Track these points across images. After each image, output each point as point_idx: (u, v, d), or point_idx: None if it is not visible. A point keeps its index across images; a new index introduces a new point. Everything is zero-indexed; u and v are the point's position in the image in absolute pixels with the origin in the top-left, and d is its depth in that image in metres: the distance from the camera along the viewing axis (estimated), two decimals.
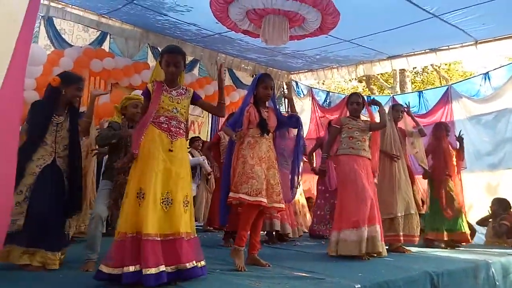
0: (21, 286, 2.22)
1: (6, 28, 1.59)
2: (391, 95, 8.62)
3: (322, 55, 6.73)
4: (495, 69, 6.45)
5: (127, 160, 2.37)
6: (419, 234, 4.14)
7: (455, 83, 7.49)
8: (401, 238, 3.95)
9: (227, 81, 7.18)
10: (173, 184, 2.28)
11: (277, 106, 3.25)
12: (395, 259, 3.46)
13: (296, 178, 3.16)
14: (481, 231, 5.65)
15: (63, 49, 5.23)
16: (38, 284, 2.29)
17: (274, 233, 4.50)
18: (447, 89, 6.93)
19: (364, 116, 4.06)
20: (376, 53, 6.55)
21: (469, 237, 4.65)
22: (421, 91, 7.80)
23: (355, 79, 13.98)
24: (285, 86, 8.03)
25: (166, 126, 2.36)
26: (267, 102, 3.09)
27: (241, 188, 2.75)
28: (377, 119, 3.89)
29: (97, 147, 3.37)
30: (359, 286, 2.29)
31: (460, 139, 4.94)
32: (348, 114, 3.78)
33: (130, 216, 2.21)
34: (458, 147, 4.94)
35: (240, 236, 2.83)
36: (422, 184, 6.64)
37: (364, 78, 13.95)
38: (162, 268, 2.10)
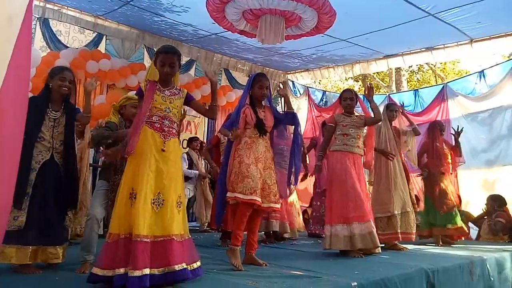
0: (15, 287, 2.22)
1: (4, 30, 1.59)
2: (387, 94, 8.66)
3: (319, 54, 6.75)
4: (490, 67, 6.49)
5: (116, 151, 2.41)
6: (415, 231, 4.17)
7: (450, 81, 7.52)
8: (399, 235, 3.98)
9: (224, 81, 7.19)
10: (165, 185, 2.27)
11: (273, 106, 3.25)
12: (391, 257, 3.49)
13: (292, 175, 3.14)
14: (474, 227, 5.69)
15: (59, 50, 5.23)
16: (34, 286, 2.29)
17: (271, 232, 4.51)
18: (443, 87, 6.96)
19: (357, 113, 4.08)
20: (372, 52, 6.58)
21: (466, 231, 4.69)
22: (417, 89, 7.83)
23: (351, 78, 14.03)
24: (280, 85, 8.03)
25: (159, 126, 2.36)
26: (263, 102, 3.10)
27: (236, 188, 2.77)
28: (372, 115, 3.90)
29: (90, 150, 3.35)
30: (356, 283, 2.31)
31: (458, 134, 4.93)
32: (342, 111, 3.79)
33: (122, 217, 2.20)
34: (454, 144, 4.95)
35: (235, 235, 2.84)
36: (418, 182, 6.72)
37: (360, 77, 13.99)
38: (146, 271, 2.07)
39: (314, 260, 3.27)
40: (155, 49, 6.16)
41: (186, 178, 5.57)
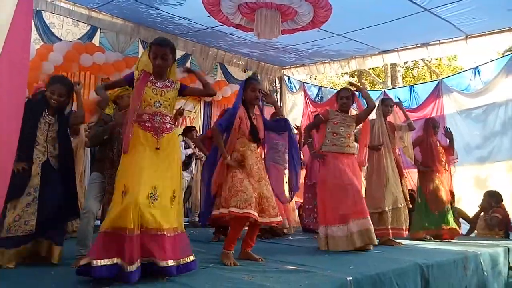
0: (11, 282, 2.20)
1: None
2: (383, 89, 8.68)
3: (314, 49, 6.73)
4: (485, 63, 6.53)
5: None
6: (407, 227, 4.17)
7: (445, 77, 7.56)
8: (390, 231, 3.99)
9: (219, 76, 7.15)
10: (160, 180, 2.25)
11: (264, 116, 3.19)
12: (386, 252, 3.51)
13: (294, 181, 3.10)
14: (466, 223, 5.74)
15: (52, 43, 5.16)
16: (30, 280, 2.28)
17: (269, 228, 4.45)
18: (438, 83, 6.99)
19: (354, 110, 4.07)
20: (368, 48, 6.57)
21: (458, 232, 4.68)
22: (412, 85, 7.86)
23: (347, 73, 14.03)
24: (277, 83, 8.01)
25: (149, 125, 2.33)
26: (255, 109, 3.06)
27: (231, 202, 2.70)
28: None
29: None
30: (351, 278, 2.32)
31: (449, 135, 4.92)
32: (337, 108, 3.76)
33: (111, 213, 2.19)
34: (448, 143, 4.94)
35: (229, 243, 2.81)
36: (414, 178, 6.75)
37: (356, 73, 14.00)
38: (137, 265, 2.06)
39: (309, 255, 3.28)
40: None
41: (186, 166, 5.59)
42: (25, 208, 2.56)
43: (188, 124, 6.59)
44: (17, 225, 2.53)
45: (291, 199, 3.39)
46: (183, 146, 5.78)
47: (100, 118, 2.97)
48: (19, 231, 2.53)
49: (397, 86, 11.53)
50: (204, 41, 6.53)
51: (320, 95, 8.33)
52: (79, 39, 5.50)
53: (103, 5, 5.32)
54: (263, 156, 3.16)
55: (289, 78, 8.03)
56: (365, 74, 14.40)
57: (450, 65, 14.59)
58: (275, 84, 7.99)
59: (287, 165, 3.26)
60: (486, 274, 3.48)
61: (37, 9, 5.11)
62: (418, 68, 15.46)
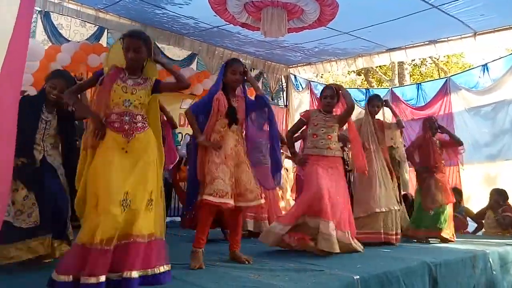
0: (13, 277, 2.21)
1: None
2: (390, 87, 8.62)
3: (321, 48, 6.71)
4: (493, 60, 6.46)
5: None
6: (397, 232, 3.89)
7: (453, 75, 7.48)
8: (382, 236, 3.76)
9: None
10: (132, 184, 2.08)
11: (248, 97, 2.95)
12: (393, 251, 3.49)
13: (276, 162, 2.88)
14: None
15: (60, 44, 5.21)
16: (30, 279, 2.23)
17: (247, 231, 4.20)
18: (446, 81, 6.93)
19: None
20: (375, 46, 6.53)
21: (450, 239, 4.28)
22: (420, 83, 7.80)
23: (354, 72, 13.96)
24: (283, 82, 7.99)
25: (118, 125, 2.16)
26: (237, 91, 2.88)
27: (206, 189, 2.57)
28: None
29: None
30: (358, 277, 2.31)
31: (444, 129, 4.66)
32: (320, 107, 3.52)
33: (85, 226, 2.03)
34: (449, 138, 4.70)
35: (198, 238, 2.65)
36: (413, 179, 6.69)
37: (363, 71, 13.93)
38: (103, 278, 1.90)
39: (316, 254, 3.27)
40: (157, 43, 6.22)
41: None
42: (22, 200, 2.49)
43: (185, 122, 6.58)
44: (21, 219, 2.47)
45: (278, 183, 3.07)
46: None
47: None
48: (23, 224, 2.47)
49: (404, 84, 11.46)
50: (210, 40, 6.55)
51: None
52: (86, 39, 5.55)
53: (110, 5, 5.36)
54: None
55: (295, 77, 8.01)
56: (372, 72, 14.32)
57: (457, 63, 14.45)
58: (282, 83, 7.98)
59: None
60: (495, 272, 3.44)
61: (45, 10, 5.17)
62: (426, 66, 15.34)
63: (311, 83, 8.21)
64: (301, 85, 8.08)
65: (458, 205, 5.75)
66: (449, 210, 4.39)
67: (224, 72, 2.85)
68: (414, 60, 13.55)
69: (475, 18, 5.26)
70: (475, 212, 5.66)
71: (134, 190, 2.07)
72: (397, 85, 11.62)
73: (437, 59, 13.48)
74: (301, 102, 7.96)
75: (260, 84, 7.65)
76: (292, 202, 5.25)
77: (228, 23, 5.18)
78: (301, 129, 3.79)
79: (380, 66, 13.00)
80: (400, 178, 4.64)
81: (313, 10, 4.54)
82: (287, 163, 5.76)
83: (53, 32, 5.30)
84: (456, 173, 6.43)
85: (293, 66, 7.92)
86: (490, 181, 6.03)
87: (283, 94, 7.97)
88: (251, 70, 7.52)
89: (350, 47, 6.62)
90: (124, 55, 2.25)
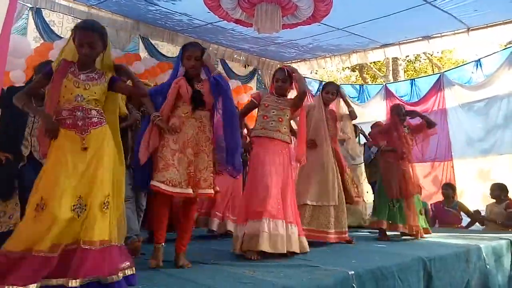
0: None
1: None
2: (384, 83, 8.65)
3: (315, 44, 6.71)
4: (486, 56, 6.50)
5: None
6: (334, 230, 3.49)
7: (447, 70, 7.53)
8: (311, 233, 3.40)
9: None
10: (86, 186, 1.91)
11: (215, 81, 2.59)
12: (388, 246, 3.51)
13: (231, 144, 2.55)
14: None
15: (52, 41, 5.15)
16: None
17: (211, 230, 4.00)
18: (440, 76, 6.97)
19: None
20: (369, 42, 6.54)
21: (417, 231, 4.03)
22: (413, 79, 7.83)
23: (348, 68, 14.00)
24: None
25: (70, 121, 1.97)
26: (202, 76, 2.64)
27: (158, 176, 2.38)
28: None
29: None
30: (353, 272, 2.31)
31: (414, 113, 4.45)
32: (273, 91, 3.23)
33: (22, 232, 1.83)
34: (422, 119, 4.36)
35: (155, 233, 2.50)
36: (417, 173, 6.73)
37: (357, 67, 13.96)
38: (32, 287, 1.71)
39: (311, 249, 3.27)
40: (151, 39, 6.19)
41: None
42: (5, 202, 2.42)
43: None
44: (1, 221, 2.39)
45: (239, 170, 2.67)
46: None
47: None
48: (4, 227, 2.40)
49: (398, 80, 11.50)
50: (204, 37, 6.52)
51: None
52: None
53: (103, 2, 5.31)
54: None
55: None
56: (366, 68, 14.36)
57: (450, 58, 14.53)
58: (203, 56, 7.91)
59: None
60: (488, 267, 3.48)
61: (37, 7, 5.12)
62: (420, 62, 15.40)
63: (305, 79, 8.20)
64: None
65: (451, 200, 5.80)
66: (416, 202, 4.17)
67: (181, 58, 2.63)
68: (408, 56, 13.60)
69: (468, 13, 5.28)
70: (472, 208, 5.68)
71: (88, 193, 1.90)
72: (392, 81, 11.67)
73: (431, 55, 13.55)
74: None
75: (255, 81, 7.64)
76: None
77: (222, 19, 5.16)
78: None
79: (374, 62, 13.03)
80: (353, 172, 4.38)
81: (307, 6, 4.53)
82: None
83: (45, 29, 5.24)
84: (450, 168, 6.48)
85: (288, 62, 7.90)
86: (484, 175, 6.08)
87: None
88: (245, 67, 7.52)
89: (344, 43, 6.63)
90: (77, 50, 2.05)
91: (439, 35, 6.12)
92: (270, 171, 2.90)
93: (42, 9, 5.19)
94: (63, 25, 5.58)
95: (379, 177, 4.39)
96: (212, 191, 2.50)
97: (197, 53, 2.58)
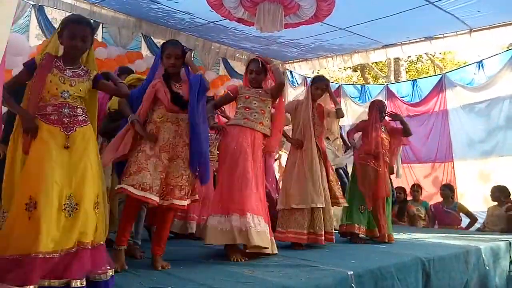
0: None
1: None
2: (386, 84, 8.64)
3: (317, 43, 6.70)
4: (489, 57, 6.48)
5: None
6: (322, 231, 3.36)
7: (449, 71, 7.51)
8: (306, 236, 3.33)
9: (222, 71, 7.12)
10: (77, 185, 1.86)
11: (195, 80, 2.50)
12: (388, 246, 3.52)
13: (195, 147, 2.42)
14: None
15: None
16: None
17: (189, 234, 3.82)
18: (441, 77, 6.95)
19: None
20: (371, 42, 6.53)
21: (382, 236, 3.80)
22: (415, 80, 7.82)
23: (350, 68, 13.98)
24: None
25: (56, 117, 1.90)
26: (181, 75, 2.55)
27: (129, 179, 2.30)
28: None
29: None
30: (352, 272, 2.32)
31: (396, 116, 4.25)
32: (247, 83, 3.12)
33: (14, 234, 1.75)
34: (402, 125, 4.15)
35: (119, 235, 2.39)
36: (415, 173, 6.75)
37: (359, 67, 13.94)
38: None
39: (310, 249, 3.29)
40: (153, 38, 6.19)
41: None
42: None
43: None
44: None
45: (204, 180, 2.56)
46: None
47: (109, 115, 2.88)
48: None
49: (400, 80, 11.48)
50: (206, 36, 6.52)
51: None
52: None
53: (105, 0, 5.31)
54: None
55: (291, 73, 8.01)
56: (368, 68, 14.34)
57: (452, 59, 14.50)
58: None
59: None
60: (487, 268, 3.48)
61: (39, 4, 5.12)
62: (422, 62, 15.37)
63: (307, 79, 8.20)
64: (296, 81, 8.07)
65: (451, 201, 5.81)
66: (386, 206, 3.95)
67: (160, 56, 2.54)
68: (410, 56, 13.58)
69: (471, 14, 5.27)
70: (473, 210, 5.67)
71: (79, 193, 1.86)
72: (393, 81, 11.66)
73: (433, 56, 13.52)
74: (297, 98, 7.94)
75: None
76: None
77: (224, 18, 5.16)
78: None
79: (376, 63, 13.02)
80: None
81: (309, 6, 4.53)
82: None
83: (47, 27, 5.24)
84: (451, 169, 6.48)
85: (289, 62, 7.91)
86: (484, 177, 6.07)
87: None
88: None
89: (347, 43, 6.62)
90: (66, 43, 2.00)
91: (442, 36, 6.11)
92: (252, 166, 2.81)
93: (45, 7, 5.19)
94: None
95: (351, 178, 4.19)
96: (185, 203, 2.40)
97: (178, 51, 2.49)
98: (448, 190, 5.79)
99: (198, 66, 6.53)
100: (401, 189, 5.95)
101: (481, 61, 6.44)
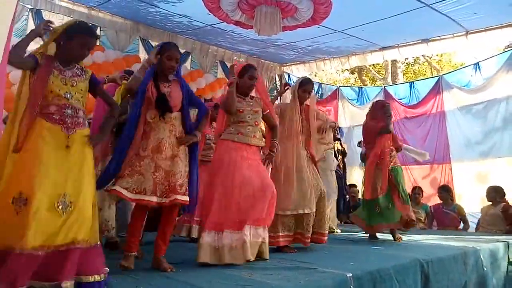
0: None
1: None
2: (383, 86, 8.67)
3: (314, 46, 6.72)
4: (485, 59, 6.51)
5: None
6: (324, 231, 3.39)
7: (446, 73, 7.54)
8: (293, 237, 3.30)
9: (219, 74, 7.13)
10: (73, 185, 1.86)
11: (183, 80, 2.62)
12: (386, 248, 3.52)
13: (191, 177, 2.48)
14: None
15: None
16: None
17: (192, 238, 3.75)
18: (438, 79, 6.99)
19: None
20: (368, 44, 6.56)
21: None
22: (412, 82, 7.85)
23: (347, 70, 14.01)
24: (277, 81, 7.99)
25: (58, 117, 1.91)
26: (170, 76, 2.55)
27: (122, 181, 2.30)
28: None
29: None
30: (351, 275, 2.32)
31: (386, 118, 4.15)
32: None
33: (4, 228, 1.74)
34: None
35: (128, 241, 2.43)
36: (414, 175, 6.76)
37: (356, 69, 13.98)
38: None
39: (309, 252, 3.29)
40: (150, 41, 6.19)
41: None
42: None
43: None
44: None
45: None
46: None
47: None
48: None
49: (397, 82, 11.53)
50: (204, 39, 6.53)
51: (320, 92, 8.33)
52: None
53: (103, 3, 5.32)
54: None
55: (289, 76, 8.03)
56: (365, 70, 14.38)
57: (450, 61, 14.57)
58: (275, 82, 7.98)
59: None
60: (486, 269, 3.49)
61: (37, 8, 5.12)
62: (419, 64, 15.43)
63: None
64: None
65: (450, 202, 5.82)
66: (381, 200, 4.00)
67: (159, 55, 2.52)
68: (407, 58, 13.63)
69: (467, 16, 5.30)
70: (469, 212, 5.69)
71: (75, 192, 1.86)
72: (391, 83, 11.69)
73: (430, 58, 13.58)
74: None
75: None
76: None
77: (221, 21, 5.17)
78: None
79: (373, 65, 13.06)
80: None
81: (306, 9, 4.55)
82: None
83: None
84: (448, 170, 6.50)
85: (287, 64, 7.93)
86: (482, 178, 6.09)
87: (276, 93, 7.95)
88: None
89: (344, 46, 6.64)
90: (75, 49, 2.02)
91: (438, 38, 6.14)
92: (241, 181, 2.75)
93: (42, 11, 5.19)
94: None
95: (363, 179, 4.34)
96: (187, 198, 2.42)
97: (178, 55, 2.54)
98: (445, 192, 5.81)
99: (196, 69, 6.62)
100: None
101: (478, 63, 6.47)
